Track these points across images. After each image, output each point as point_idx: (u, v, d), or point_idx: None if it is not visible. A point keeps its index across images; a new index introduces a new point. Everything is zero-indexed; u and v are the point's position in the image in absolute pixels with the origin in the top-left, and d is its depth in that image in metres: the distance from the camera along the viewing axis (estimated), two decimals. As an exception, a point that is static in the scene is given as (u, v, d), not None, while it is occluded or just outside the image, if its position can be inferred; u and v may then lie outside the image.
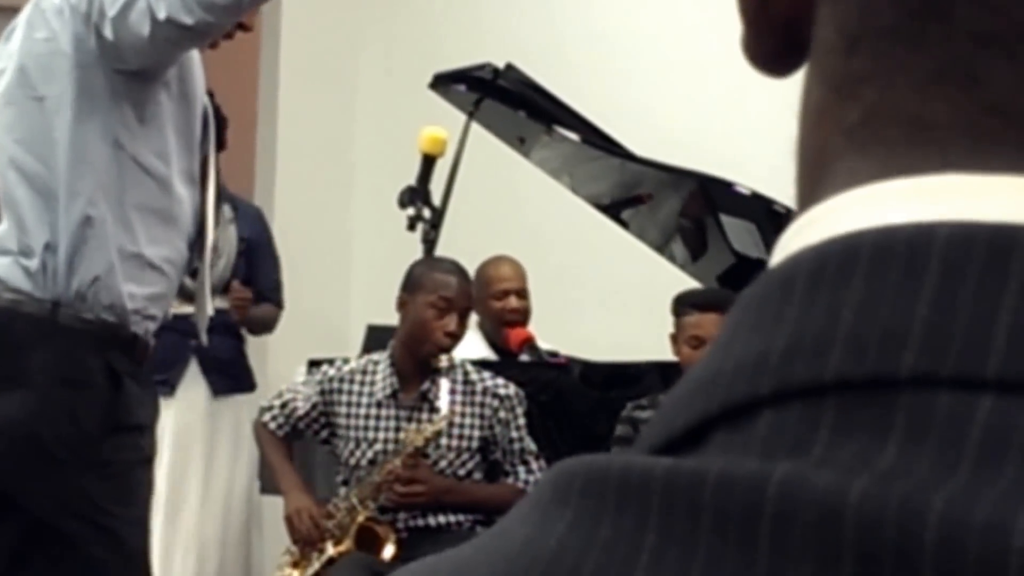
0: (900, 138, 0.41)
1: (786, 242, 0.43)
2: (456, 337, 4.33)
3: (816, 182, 0.43)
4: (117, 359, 3.16)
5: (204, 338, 3.54)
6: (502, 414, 4.32)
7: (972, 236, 0.39)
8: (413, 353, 4.33)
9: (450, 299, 4.29)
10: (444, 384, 4.24)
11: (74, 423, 3.11)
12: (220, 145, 3.59)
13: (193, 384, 5.43)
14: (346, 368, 4.45)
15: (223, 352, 5.41)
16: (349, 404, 4.39)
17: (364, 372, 4.41)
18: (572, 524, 0.41)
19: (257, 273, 5.65)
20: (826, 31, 0.44)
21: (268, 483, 4.98)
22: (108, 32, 3.03)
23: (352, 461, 4.36)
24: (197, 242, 3.32)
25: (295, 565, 4.36)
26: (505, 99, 4.90)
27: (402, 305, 4.38)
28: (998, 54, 0.39)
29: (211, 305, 3.54)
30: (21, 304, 3.11)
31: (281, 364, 6.01)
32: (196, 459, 5.43)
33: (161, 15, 2.96)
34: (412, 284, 4.37)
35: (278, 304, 5.75)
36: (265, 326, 5.74)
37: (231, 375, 5.57)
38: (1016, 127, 0.40)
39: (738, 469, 0.38)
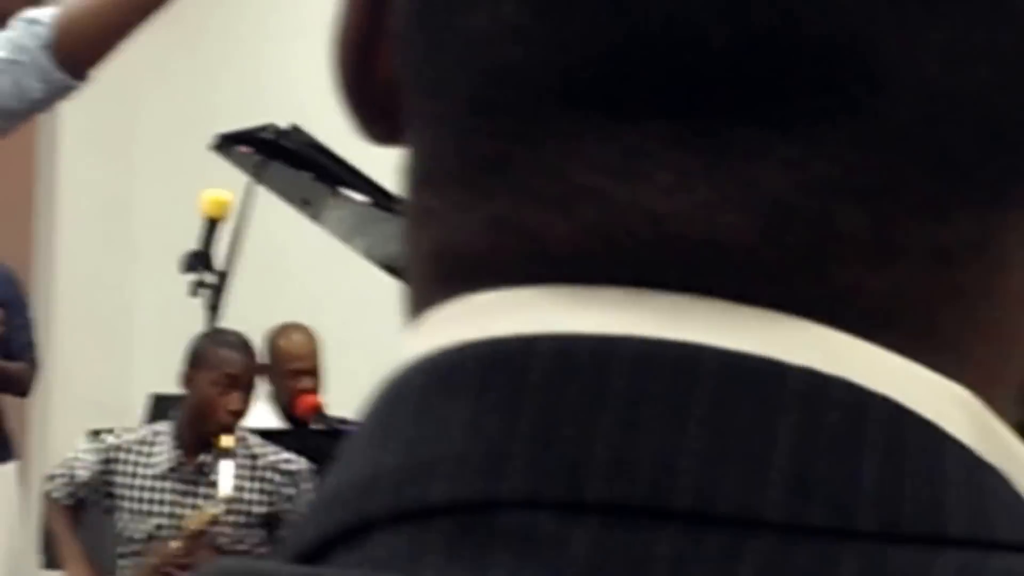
0: (468, 274, 0.42)
1: (402, 352, 0.43)
2: (240, 414, 4.28)
3: (412, 298, 0.44)
4: None
5: None
6: (287, 490, 4.28)
7: (570, 350, 0.39)
8: (196, 429, 4.27)
9: (234, 376, 4.24)
10: (226, 465, 4.18)
11: None
12: None
13: None
14: (129, 437, 4.40)
15: None
16: (129, 475, 4.33)
17: (145, 443, 4.34)
18: None
19: (9, 333, 5.46)
20: (407, 160, 0.45)
21: (53, 558, 4.86)
22: None
23: (127, 534, 4.31)
24: None
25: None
26: (290, 160, 4.84)
27: (188, 381, 4.32)
28: (554, 210, 0.40)
29: None
30: None
31: (61, 434, 5.86)
32: None
33: None
34: (195, 359, 4.31)
35: (32, 363, 5.57)
36: (17, 383, 5.55)
37: None
38: (568, 266, 0.40)
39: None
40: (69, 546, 4.37)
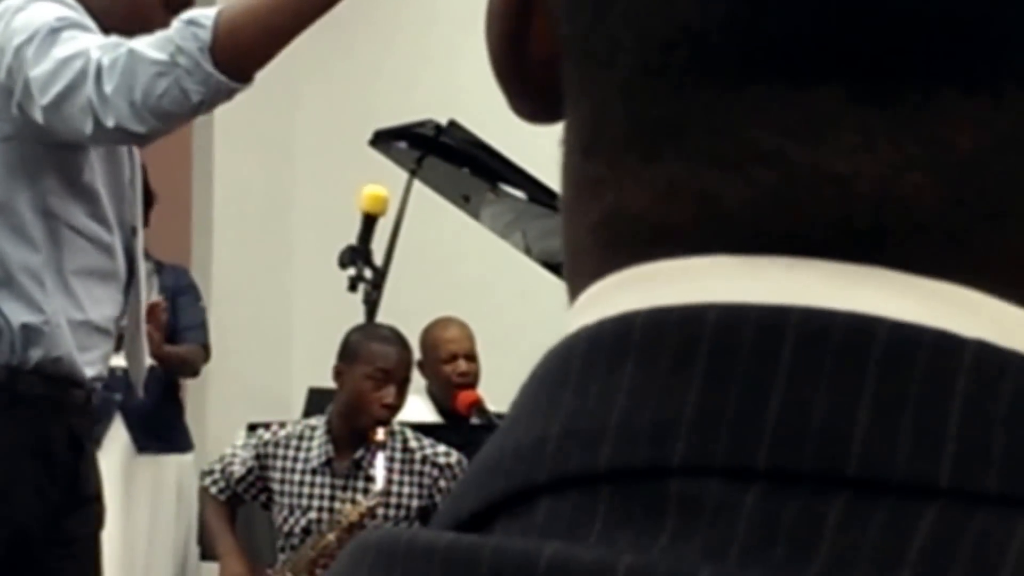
0: (639, 241, 0.42)
1: (567, 322, 0.43)
2: (394, 409, 4.27)
3: (576, 272, 0.44)
4: (77, 424, 3.05)
5: (140, 391, 3.43)
6: (442, 483, 4.29)
7: (741, 319, 0.39)
8: (350, 423, 4.28)
9: (388, 371, 4.23)
10: (380, 458, 4.18)
11: (41, 498, 2.98)
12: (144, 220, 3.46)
13: (114, 439, 5.33)
14: (282, 433, 4.41)
15: (148, 408, 5.31)
16: (284, 470, 4.35)
17: (300, 438, 4.36)
18: None
19: (180, 317, 5.55)
20: (568, 133, 0.45)
21: (209, 549, 4.94)
22: (38, 116, 2.88)
23: (286, 528, 4.32)
24: (130, 285, 3.21)
25: (230, 633, 4.35)
26: (448, 156, 4.84)
27: (339, 375, 4.32)
28: (729, 172, 0.40)
29: (148, 354, 3.43)
30: None
31: (221, 428, 5.94)
32: (112, 517, 5.33)
33: (109, 123, 2.80)
34: (349, 354, 4.31)
35: (203, 346, 5.66)
36: (187, 365, 5.63)
37: (157, 433, 5.47)
38: (752, 239, 0.40)
39: (512, 544, 0.39)
40: (224, 539, 4.41)
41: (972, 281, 0.39)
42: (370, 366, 4.21)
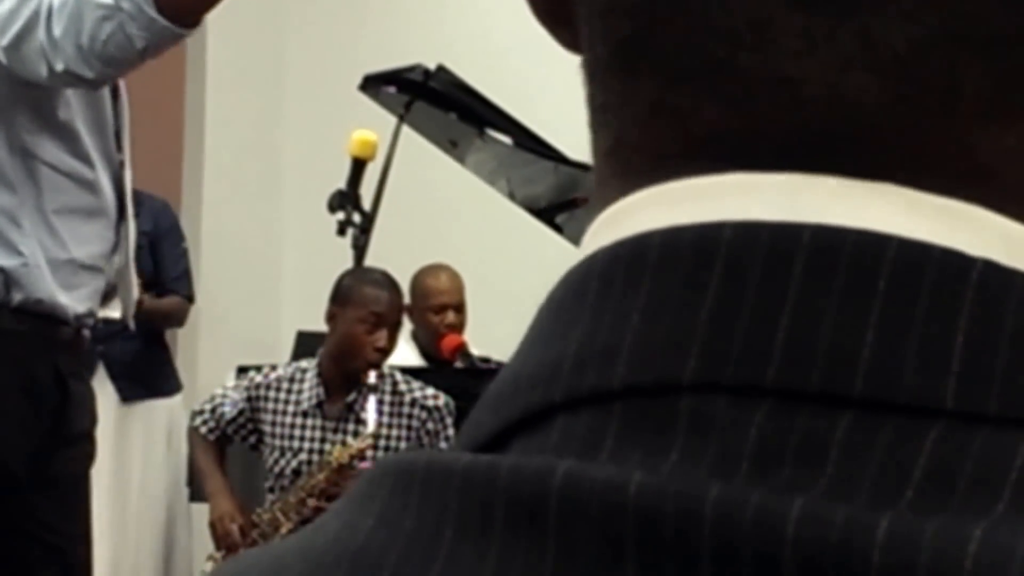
0: (641, 164, 0.42)
1: (585, 244, 0.43)
2: (386, 352, 4.29)
3: (602, 200, 0.44)
4: (64, 361, 3.06)
5: (131, 323, 3.44)
6: (430, 426, 4.31)
7: (754, 236, 0.39)
8: (341, 366, 4.29)
9: (381, 314, 4.24)
10: (372, 400, 4.20)
11: (26, 436, 2.99)
12: None
13: (99, 391, 5.34)
14: (273, 375, 4.42)
15: (130, 356, 5.31)
16: (275, 412, 4.36)
17: (291, 380, 4.38)
18: (380, 518, 0.41)
19: (162, 265, 5.51)
20: (582, 60, 0.45)
21: (198, 491, 4.93)
22: (1, 57, 2.90)
23: (276, 469, 4.34)
24: (120, 220, 3.21)
25: (218, 570, 4.32)
26: (436, 101, 4.84)
27: (331, 318, 4.33)
28: (700, 87, 0.40)
29: (137, 286, 3.43)
30: None
31: (210, 371, 5.94)
32: (104, 468, 5.35)
33: (58, 67, 2.81)
34: (342, 297, 4.31)
35: (187, 297, 5.63)
36: (172, 318, 5.61)
37: (142, 380, 5.47)
38: (732, 154, 0.40)
39: (527, 463, 0.39)
40: (213, 479, 4.42)
41: (914, 182, 0.39)
42: (363, 310, 4.22)
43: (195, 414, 4.51)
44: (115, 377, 5.38)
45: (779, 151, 0.40)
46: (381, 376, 4.27)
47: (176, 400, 5.71)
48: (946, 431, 0.37)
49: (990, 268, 0.38)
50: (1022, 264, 0.38)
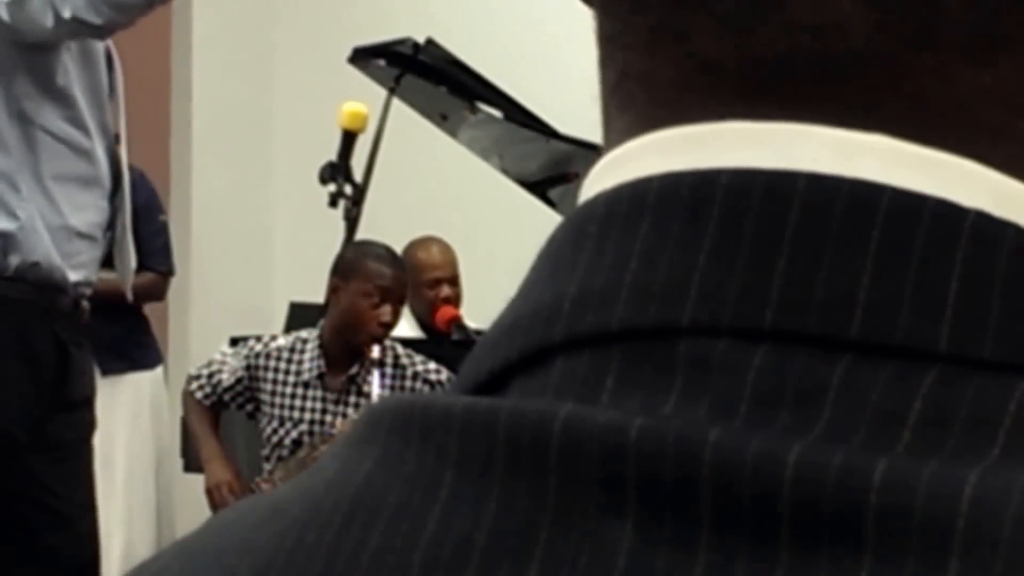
0: (643, 97, 0.42)
1: (586, 188, 0.44)
2: (390, 327, 4.27)
3: (604, 137, 0.45)
4: (63, 329, 3.08)
5: (130, 294, 3.45)
6: None
7: (750, 183, 0.40)
8: (344, 339, 4.27)
9: (386, 289, 4.21)
10: (376, 374, 4.20)
11: (25, 402, 3.02)
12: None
13: None
14: (274, 345, 4.39)
15: (107, 332, 5.32)
16: (275, 382, 4.34)
17: (291, 350, 4.36)
18: (379, 460, 0.41)
19: (140, 243, 5.49)
20: None
21: (193, 462, 4.91)
22: (3, 13, 2.92)
23: (275, 439, 4.32)
24: (115, 191, 3.23)
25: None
26: (426, 75, 4.86)
27: (334, 290, 4.30)
28: (697, 9, 0.41)
29: (134, 256, 3.45)
30: None
31: (203, 342, 5.95)
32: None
33: (66, 13, 2.83)
34: (345, 270, 4.28)
35: (165, 272, 5.61)
36: (150, 295, 5.57)
37: (122, 354, 5.47)
38: (725, 80, 0.41)
39: (528, 406, 0.40)
40: (209, 444, 4.37)
41: (897, 114, 0.40)
42: (368, 284, 4.19)
43: (191, 378, 4.47)
44: (94, 351, 5.38)
45: (771, 81, 0.40)
46: (384, 349, 4.27)
47: (157, 373, 5.71)
48: (941, 375, 0.38)
49: (983, 218, 0.39)
50: (1011, 216, 0.39)
